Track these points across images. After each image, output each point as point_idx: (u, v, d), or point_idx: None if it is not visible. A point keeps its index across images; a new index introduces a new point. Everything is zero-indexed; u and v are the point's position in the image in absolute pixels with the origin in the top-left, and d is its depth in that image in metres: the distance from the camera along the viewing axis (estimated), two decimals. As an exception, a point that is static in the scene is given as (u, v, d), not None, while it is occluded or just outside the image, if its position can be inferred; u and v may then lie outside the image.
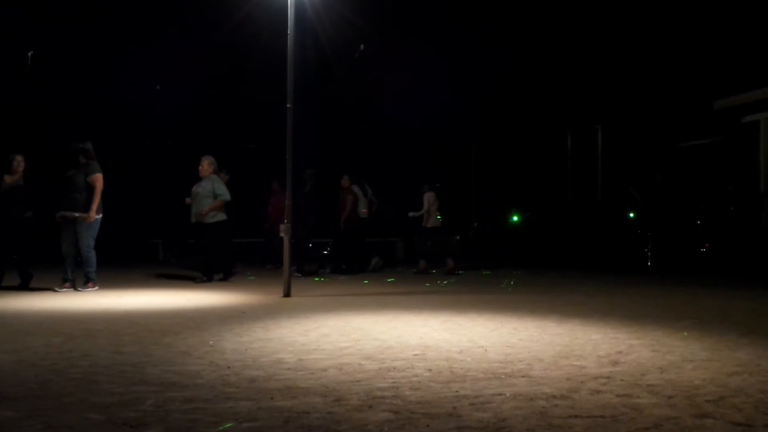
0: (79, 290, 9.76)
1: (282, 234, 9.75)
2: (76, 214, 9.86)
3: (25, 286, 10.23)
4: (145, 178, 21.06)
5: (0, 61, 19.75)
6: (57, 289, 9.77)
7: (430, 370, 4.27)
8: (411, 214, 15.13)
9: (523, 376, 4.10)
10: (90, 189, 9.89)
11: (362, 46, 22.22)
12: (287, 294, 9.31)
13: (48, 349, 5.04)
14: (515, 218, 21.12)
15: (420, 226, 15.01)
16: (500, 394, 3.64)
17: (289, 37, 10.01)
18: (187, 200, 11.73)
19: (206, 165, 11.74)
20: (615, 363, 4.51)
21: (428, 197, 14.88)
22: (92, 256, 9.92)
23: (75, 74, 21.37)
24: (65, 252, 9.93)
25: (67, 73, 21.29)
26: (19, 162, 10.25)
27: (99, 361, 4.60)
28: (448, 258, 14.49)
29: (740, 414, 3.28)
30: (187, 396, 3.63)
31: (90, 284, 9.94)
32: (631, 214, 15.68)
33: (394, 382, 3.94)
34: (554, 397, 3.60)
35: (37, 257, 10.83)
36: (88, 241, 9.87)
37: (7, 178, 10.26)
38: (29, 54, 20.96)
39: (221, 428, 3.06)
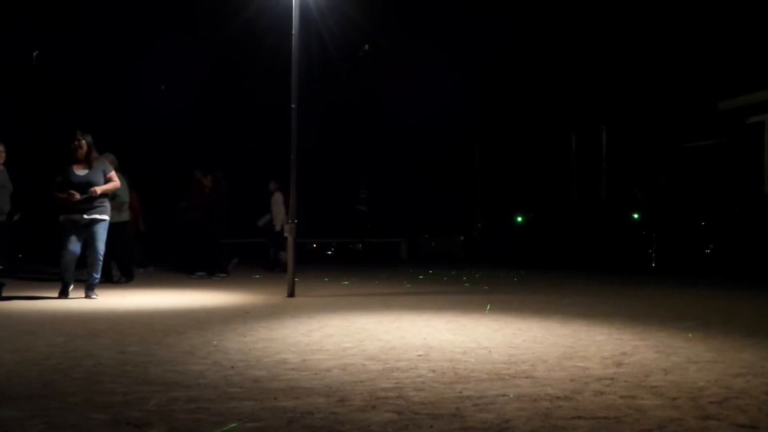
0: (94, 297, 9.00)
1: (286, 234, 9.76)
2: (100, 217, 9.08)
3: None
4: (148, 177, 21.10)
5: (3, 58, 19.81)
6: (67, 297, 9.00)
7: (433, 371, 4.27)
8: (260, 222, 14.80)
9: (527, 377, 4.09)
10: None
11: (366, 47, 22.25)
12: (291, 294, 9.31)
13: (51, 349, 5.05)
14: (519, 219, 21.11)
15: (271, 228, 14.75)
16: (504, 395, 3.64)
17: (293, 37, 10.02)
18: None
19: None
20: (619, 364, 4.50)
21: (277, 198, 14.64)
22: (101, 261, 9.32)
23: (79, 73, 21.41)
24: (70, 259, 9.04)
25: (71, 72, 21.33)
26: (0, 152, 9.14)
27: (102, 361, 4.60)
28: (281, 252, 14.45)
29: (744, 416, 3.27)
30: (190, 396, 3.63)
31: (96, 290, 9.25)
32: (636, 215, 15.66)
33: (397, 383, 3.93)
34: (558, 398, 3.59)
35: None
36: (103, 246, 9.23)
37: None
38: (34, 54, 21.01)
39: (225, 428, 3.06)
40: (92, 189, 8.97)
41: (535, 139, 21.67)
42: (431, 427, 3.08)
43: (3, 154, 9.27)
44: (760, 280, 11.94)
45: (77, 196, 8.90)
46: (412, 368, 4.36)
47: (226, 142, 23.16)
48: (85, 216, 9.03)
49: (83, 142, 9.16)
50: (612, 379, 4.05)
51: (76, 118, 17.64)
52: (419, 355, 4.81)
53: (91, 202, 9.03)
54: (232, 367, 4.38)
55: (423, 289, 10.65)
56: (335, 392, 3.70)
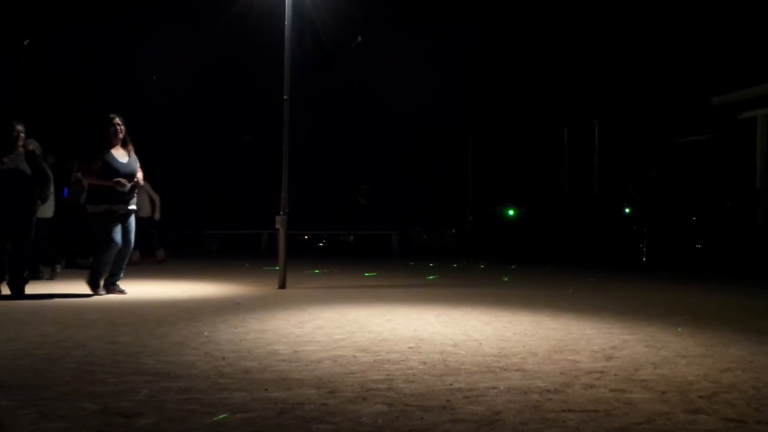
0: (103, 294, 8.25)
1: (278, 226, 9.74)
2: (136, 208, 8.56)
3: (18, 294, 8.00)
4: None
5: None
6: (126, 292, 8.36)
7: (424, 363, 4.28)
8: (157, 217, 14.36)
9: (517, 370, 4.11)
10: None
11: (360, 38, 22.21)
12: (283, 286, 9.31)
13: (43, 339, 5.04)
14: (511, 212, 21.14)
15: (151, 218, 14.31)
16: (494, 388, 3.65)
17: (286, 28, 9.99)
18: None
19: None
20: (609, 358, 4.52)
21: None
22: None
23: (72, 63, 21.31)
24: (115, 251, 8.24)
25: (64, 61, 21.23)
26: (19, 132, 8.06)
27: (94, 351, 4.60)
28: (159, 249, 14.30)
29: (733, 410, 3.30)
30: (181, 386, 3.64)
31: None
32: (627, 210, 15.70)
33: (388, 375, 3.94)
34: (548, 391, 3.61)
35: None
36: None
37: (6, 159, 7.99)
38: (24, 43, 20.91)
39: (215, 419, 3.07)
40: (137, 179, 8.44)
41: (528, 133, 21.70)
42: (421, 419, 3.09)
43: (22, 136, 8.15)
44: (749, 275, 11.99)
45: (126, 184, 8.24)
46: (402, 360, 4.37)
47: (217, 133, 23.09)
48: (129, 207, 8.39)
49: (123, 126, 8.48)
50: (602, 372, 4.07)
51: (72, 110, 17.57)
52: (410, 348, 4.82)
53: (133, 192, 8.43)
54: (224, 358, 4.38)
55: (414, 282, 10.66)
56: (326, 384, 3.71)
